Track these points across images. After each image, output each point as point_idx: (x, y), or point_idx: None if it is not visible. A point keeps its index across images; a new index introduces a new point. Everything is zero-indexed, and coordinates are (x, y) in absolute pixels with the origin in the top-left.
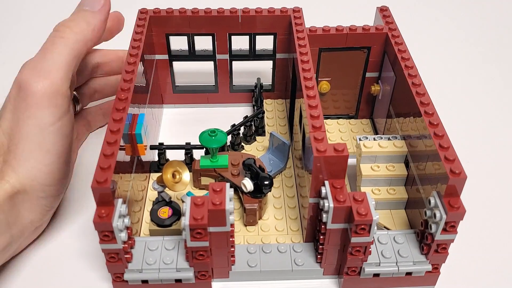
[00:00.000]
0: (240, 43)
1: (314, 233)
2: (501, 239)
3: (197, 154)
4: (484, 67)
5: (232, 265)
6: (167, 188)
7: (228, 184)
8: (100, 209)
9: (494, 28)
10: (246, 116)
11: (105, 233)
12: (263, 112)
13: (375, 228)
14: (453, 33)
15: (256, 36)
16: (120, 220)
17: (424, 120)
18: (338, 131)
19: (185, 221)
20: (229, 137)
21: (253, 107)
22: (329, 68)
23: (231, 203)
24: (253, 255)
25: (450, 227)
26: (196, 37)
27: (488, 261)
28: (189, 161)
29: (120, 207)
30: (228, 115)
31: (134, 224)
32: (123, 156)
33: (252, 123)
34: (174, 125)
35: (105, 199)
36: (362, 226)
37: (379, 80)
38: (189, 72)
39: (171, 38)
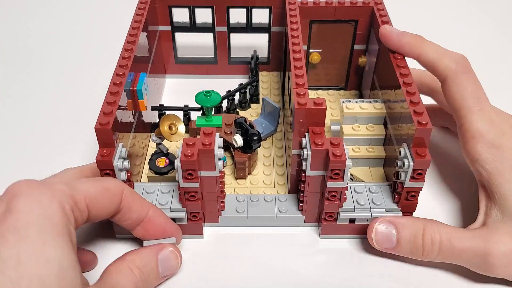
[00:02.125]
0: (238, 16)
1: (297, 184)
2: None
3: (194, 116)
4: (485, 68)
5: (222, 210)
6: (165, 141)
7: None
8: (102, 149)
9: (494, 26)
10: (241, 84)
11: (106, 171)
12: (257, 80)
13: (349, 174)
14: (444, 14)
15: (253, 10)
16: (120, 161)
17: (403, 90)
18: (328, 101)
19: (177, 162)
20: (225, 103)
21: (250, 78)
22: (319, 39)
23: (220, 150)
24: (241, 203)
25: (418, 174)
26: (196, 9)
27: None
28: (186, 122)
29: (121, 150)
30: (227, 86)
31: (135, 176)
32: (123, 114)
33: (247, 91)
34: (175, 94)
35: (107, 141)
36: (337, 171)
37: (366, 52)
38: (190, 45)
39: (174, 10)
